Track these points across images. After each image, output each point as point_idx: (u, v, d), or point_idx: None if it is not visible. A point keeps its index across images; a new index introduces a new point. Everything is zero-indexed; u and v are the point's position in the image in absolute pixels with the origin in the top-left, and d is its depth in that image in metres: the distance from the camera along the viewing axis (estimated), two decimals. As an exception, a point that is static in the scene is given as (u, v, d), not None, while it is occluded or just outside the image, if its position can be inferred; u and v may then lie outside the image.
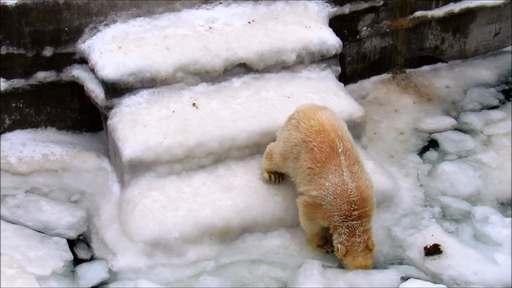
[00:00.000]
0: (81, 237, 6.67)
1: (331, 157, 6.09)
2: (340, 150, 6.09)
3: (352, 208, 5.99)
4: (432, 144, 7.97)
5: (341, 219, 6.01)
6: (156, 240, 6.28)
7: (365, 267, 6.12)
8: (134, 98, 6.94)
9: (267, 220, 6.52)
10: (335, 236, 6.11)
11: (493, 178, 7.40)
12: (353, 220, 6.00)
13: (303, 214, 6.29)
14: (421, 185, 7.31)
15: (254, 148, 6.85)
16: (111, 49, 7.04)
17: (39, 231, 6.58)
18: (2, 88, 7.11)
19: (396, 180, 7.18)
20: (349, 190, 6.00)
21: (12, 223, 6.60)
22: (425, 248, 6.45)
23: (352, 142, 6.25)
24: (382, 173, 7.01)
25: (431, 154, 7.79)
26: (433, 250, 6.43)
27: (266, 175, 6.68)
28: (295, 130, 6.29)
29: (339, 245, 6.05)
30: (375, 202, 6.19)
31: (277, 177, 6.68)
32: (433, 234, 6.62)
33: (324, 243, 6.47)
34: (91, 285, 6.19)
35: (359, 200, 6.01)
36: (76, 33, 7.16)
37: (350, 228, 6.02)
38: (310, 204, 6.16)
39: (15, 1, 6.80)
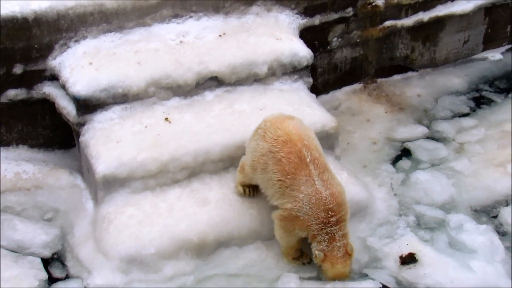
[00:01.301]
0: (55, 256, 6.60)
1: (300, 168, 6.09)
2: (308, 160, 6.10)
3: (329, 215, 5.99)
4: (405, 153, 7.99)
5: (319, 227, 6.01)
6: (132, 256, 6.22)
7: (343, 275, 6.12)
8: (106, 114, 6.90)
9: (242, 233, 6.50)
10: (314, 244, 6.10)
11: (467, 186, 7.42)
12: (331, 226, 6.00)
13: (279, 227, 6.28)
14: (395, 194, 7.33)
15: (228, 161, 6.83)
16: (82, 65, 7.00)
17: (13, 251, 6.50)
18: (-28, 107, 7.07)
19: (370, 190, 7.20)
20: (324, 198, 6.00)
21: (-15, 243, 6.55)
22: (401, 257, 6.46)
23: (320, 150, 6.28)
24: (357, 183, 7.02)
25: (404, 163, 7.82)
26: (409, 259, 6.44)
27: (241, 189, 6.67)
28: (262, 140, 6.28)
29: (317, 252, 6.04)
30: (349, 207, 6.20)
31: (251, 190, 6.66)
32: (409, 243, 6.63)
33: (299, 255, 6.47)
34: (67, 304, 6.16)
35: (335, 206, 6.02)
36: (47, 50, 7.12)
37: (330, 234, 6.01)
38: (286, 217, 6.15)
39: (-16, 19, 6.76)
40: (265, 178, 6.29)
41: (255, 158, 6.33)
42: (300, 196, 6.05)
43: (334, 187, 6.10)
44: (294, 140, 6.16)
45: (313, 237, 6.08)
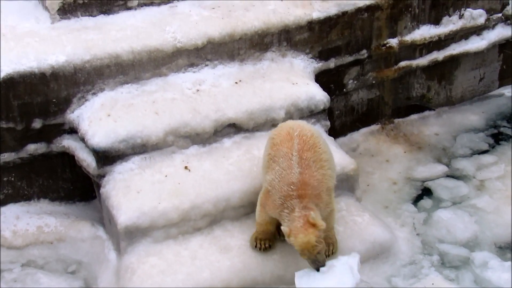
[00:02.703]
0: (81, 308, 6.62)
1: (285, 141, 6.22)
2: (295, 134, 6.21)
3: (290, 189, 5.97)
4: (426, 192, 7.97)
5: (281, 201, 5.99)
6: (156, 306, 6.20)
7: (308, 244, 5.83)
8: (126, 164, 6.92)
9: (266, 279, 6.46)
10: (282, 224, 6.03)
11: (490, 222, 7.39)
12: (291, 199, 5.95)
13: (258, 202, 6.33)
14: (417, 234, 7.29)
15: (249, 207, 6.81)
16: (100, 117, 7.04)
17: (38, 305, 6.53)
18: (-7, 163, 7.11)
19: (392, 231, 7.16)
20: (292, 174, 6.03)
21: (11, 298, 6.56)
22: (427, 297, 6.43)
23: (315, 135, 6.36)
24: (379, 225, 6.99)
25: (426, 202, 7.79)
26: (436, 299, 6.41)
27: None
28: (269, 138, 6.52)
29: (282, 228, 5.93)
30: (332, 199, 6.26)
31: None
32: (434, 282, 6.58)
33: (265, 243, 6.47)
34: None
35: (299, 183, 6.00)
36: (65, 104, 7.17)
37: (290, 208, 5.93)
38: (266, 191, 6.21)
39: (2, 75, 6.81)
40: (264, 164, 6.39)
41: (263, 158, 6.50)
42: (276, 168, 6.12)
43: (309, 168, 6.09)
44: (289, 123, 6.43)
45: (280, 216, 6.03)
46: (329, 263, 6.11)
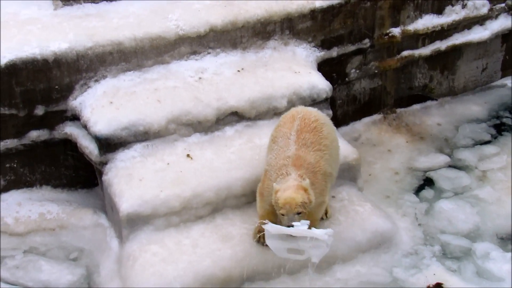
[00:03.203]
0: (82, 295, 6.63)
1: (288, 122, 6.31)
2: (298, 116, 6.27)
3: (286, 162, 6.00)
4: (428, 182, 7.97)
5: (276, 174, 6.00)
6: (157, 294, 6.22)
7: (292, 200, 5.75)
8: (128, 152, 6.92)
9: (267, 268, 6.45)
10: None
11: (491, 213, 7.40)
12: (287, 168, 5.96)
13: (258, 192, 6.34)
14: (419, 224, 7.29)
15: (251, 196, 6.81)
16: (103, 105, 7.04)
17: (39, 291, 6.54)
18: (-5, 150, 7.11)
19: (394, 221, 7.16)
20: (288, 151, 6.07)
21: (12, 284, 6.54)
22: (428, 287, 6.42)
23: (319, 119, 6.39)
24: (380, 215, 6.99)
25: (427, 192, 7.79)
26: (437, 289, 6.42)
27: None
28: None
29: (274, 185, 5.86)
30: (327, 190, 6.28)
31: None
32: (435, 273, 6.60)
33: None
34: None
35: (294, 155, 6.03)
36: (67, 91, 7.17)
37: (286, 173, 5.93)
38: (264, 173, 6.23)
39: (5, 62, 6.80)
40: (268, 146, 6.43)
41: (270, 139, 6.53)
42: (275, 147, 6.19)
43: (307, 150, 6.11)
44: (298, 108, 6.48)
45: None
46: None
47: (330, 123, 6.62)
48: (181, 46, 7.56)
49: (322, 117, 6.53)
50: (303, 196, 5.79)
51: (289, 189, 5.79)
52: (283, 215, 5.84)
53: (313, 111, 6.49)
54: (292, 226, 5.78)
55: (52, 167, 7.50)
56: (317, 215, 6.33)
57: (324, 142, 6.27)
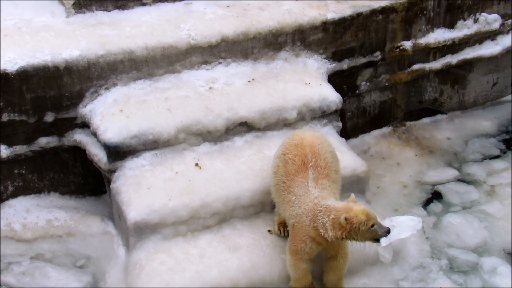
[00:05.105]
0: (88, 303, 6.64)
1: (300, 171, 6.11)
2: (310, 165, 6.10)
3: (316, 200, 5.90)
4: (436, 196, 7.97)
5: (313, 214, 5.88)
6: (163, 303, 6.21)
7: (365, 210, 5.72)
8: (137, 160, 6.93)
9: (274, 278, 6.45)
10: (328, 227, 5.78)
11: (499, 229, 7.39)
12: (320, 200, 5.89)
13: (288, 252, 6.21)
14: (427, 238, 7.28)
15: (259, 206, 6.83)
16: (113, 113, 7.06)
17: (46, 298, 6.55)
18: (5, 155, 7.10)
19: (402, 234, 7.15)
20: (312, 193, 5.96)
21: (19, 291, 6.58)
22: (435, 301, 6.43)
23: (329, 162, 6.20)
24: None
25: (436, 206, 7.79)
26: (443, 304, 6.41)
27: (276, 228, 6.62)
28: (280, 146, 6.43)
29: (340, 216, 5.69)
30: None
31: (286, 231, 6.56)
32: (442, 287, 6.58)
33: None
34: None
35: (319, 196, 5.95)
36: (77, 98, 7.18)
37: (324, 207, 5.83)
38: (294, 226, 6.09)
39: (16, 68, 6.82)
40: (274, 183, 6.31)
41: (273, 164, 6.42)
42: (293, 198, 6.05)
43: (326, 189, 6.02)
44: (304, 144, 6.21)
45: (314, 230, 5.88)
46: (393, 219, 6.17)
47: (329, 144, 6.48)
48: (192, 55, 7.58)
49: (326, 141, 6.45)
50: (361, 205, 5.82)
51: (351, 206, 5.75)
52: (372, 226, 5.71)
53: (319, 139, 6.34)
54: (389, 228, 5.82)
55: (61, 174, 7.52)
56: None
57: (330, 172, 6.22)
